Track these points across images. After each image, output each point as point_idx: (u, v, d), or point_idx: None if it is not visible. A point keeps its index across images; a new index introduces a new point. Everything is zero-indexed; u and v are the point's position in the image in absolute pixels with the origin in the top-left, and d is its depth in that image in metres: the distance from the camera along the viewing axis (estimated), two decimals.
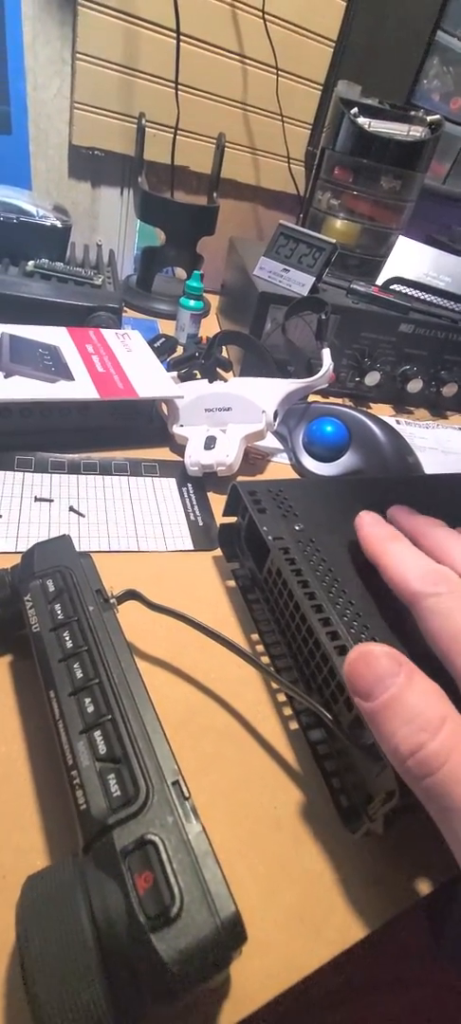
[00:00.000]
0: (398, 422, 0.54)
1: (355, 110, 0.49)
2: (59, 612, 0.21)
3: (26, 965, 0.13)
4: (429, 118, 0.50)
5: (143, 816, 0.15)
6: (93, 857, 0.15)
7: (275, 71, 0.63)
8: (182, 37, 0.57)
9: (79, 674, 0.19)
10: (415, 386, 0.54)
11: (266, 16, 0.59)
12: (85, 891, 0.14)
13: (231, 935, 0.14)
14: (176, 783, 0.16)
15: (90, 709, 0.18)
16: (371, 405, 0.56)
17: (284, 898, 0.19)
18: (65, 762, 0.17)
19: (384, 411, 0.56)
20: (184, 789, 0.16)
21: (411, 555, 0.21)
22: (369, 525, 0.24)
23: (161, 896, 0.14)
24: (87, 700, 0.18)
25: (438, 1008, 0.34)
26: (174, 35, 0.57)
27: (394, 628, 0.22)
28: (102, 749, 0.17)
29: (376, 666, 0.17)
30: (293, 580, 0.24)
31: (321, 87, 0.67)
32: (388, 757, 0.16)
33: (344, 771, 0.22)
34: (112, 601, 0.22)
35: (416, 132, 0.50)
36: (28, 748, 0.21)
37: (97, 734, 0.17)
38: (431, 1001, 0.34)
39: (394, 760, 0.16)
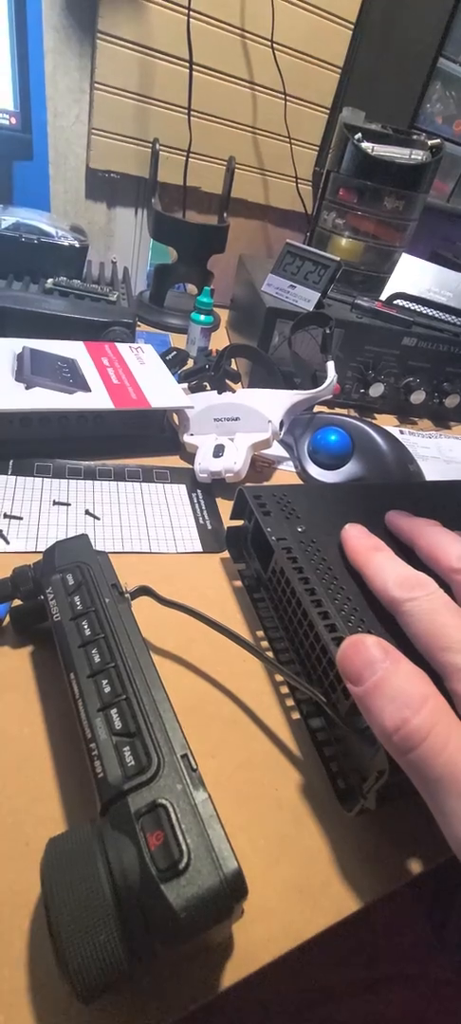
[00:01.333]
0: (402, 432, 0.56)
1: (359, 135, 0.52)
2: (78, 603, 0.22)
3: (50, 912, 0.15)
4: (430, 142, 0.53)
5: (155, 783, 0.17)
6: (109, 819, 0.17)
7: (283, 96, 0.66)
8: (195, 66, 0.60)
9: (97, 659, 0.20)
10: (418, 397, 0.55)
11: (274, 45, 0.62)
12: (102, 847, 0.16)
13: (233, 887, 0.15)
14: (185, 756, 0.18)
15: (107, 690, 0.19)
16: (376, 416, 0.58)
17: (284, 871, 0.20)
18: (84, 736, 0.18)
19: (388, 421, 0.57)
20: (192, 761, 0.18)
21: (391, 563, 0.23)
22: (354, 538, 0.26)
23: (171, 852, 0.15)
24: (104, 682, 0.20)
25: (438, 1002, 0.35)
26: (187, 64, 0.60)
27: (388, 621, 0.24)
28: (118, 725, 0.18)
29: (365, 653, 0.19)
30: (295, 577, 0.25)
31: (328, 111, 0.69)
32: (377, 735, 0.18)
33: (342, 756, 0.23)
34: (126, 595, 0.24)
35: (418, 155, 0.52)
36: (48, 730, 0.23)
37: (113, 711, 0.19)
38: (432, 995, 0.35)
39: (382, 737, 0.17)
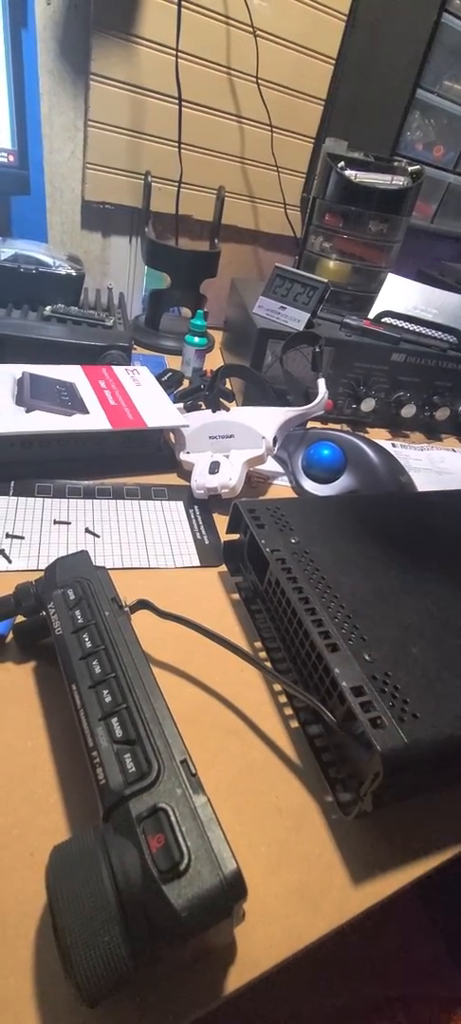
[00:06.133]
0: (394, 445, 0.57)
1: (342, 163, 0.54)
2: (79, 617, 0.23)
3: (55, 916, 0.15)
4: (410, 168, 0.55)
5: (155, 788, 0.17)
6: (112, 824, 0.17)
7: (269, 128, 0.68)
8: (183, 103, 0.63)
9: (97, 670, 0.21)
10: (409, 411, 0.56)
11: (259, 81, 0.64)
12: (105, 851, 0.16)
13: (233, 887, 0.16)
14: (184, 761, 0.18)
15: (108, 699, 0.20)
16: (368, 430, 0.59)
17: (285, 876, 0.21)
18: (86, 745, 0.19)
19: (381, 435, 0.59)
20: (191, 766, 0.18)
21: None
22: None
23: (171, 854, 0.16)
24: (105, 692, 0.20)
25: (453, 1022, 0.34)
26: (176, 101, 0.63)
27: (378, 625, 0.24)
28: (119, 733, 0.19)
29: None
30: (289, 587, 0.26)
31: (313, 140, 0.72)
32: None
33: (339, 761, 0.24)
34: (126, 609, 0.24)
35: (399, 181, 0.54)
36: (51, 742, 0.23)
37: (114, 720, 0.19)
38: (446, 1015, 0.35)
39: None
